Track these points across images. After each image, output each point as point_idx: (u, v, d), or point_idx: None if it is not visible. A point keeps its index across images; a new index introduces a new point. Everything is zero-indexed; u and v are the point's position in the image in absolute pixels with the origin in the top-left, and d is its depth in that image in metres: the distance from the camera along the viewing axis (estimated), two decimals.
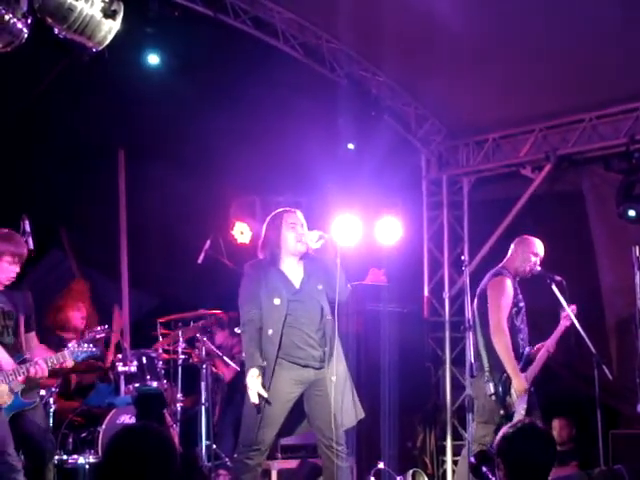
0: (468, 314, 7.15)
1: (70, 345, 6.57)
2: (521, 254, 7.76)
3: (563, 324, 7.73)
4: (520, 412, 7.36)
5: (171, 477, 3.32)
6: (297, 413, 6.56)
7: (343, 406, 6.48)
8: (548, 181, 10.07)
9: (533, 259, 7.72)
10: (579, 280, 8.71)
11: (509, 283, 7.59)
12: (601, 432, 7.75)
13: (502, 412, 7.40)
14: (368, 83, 10.16)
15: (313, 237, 6.58)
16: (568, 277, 7.71)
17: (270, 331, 6.41)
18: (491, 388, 7.30)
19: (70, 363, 6.55)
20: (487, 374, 7.31)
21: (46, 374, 6.38)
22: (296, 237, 6.58)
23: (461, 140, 10.90)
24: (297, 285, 6.58)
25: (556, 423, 9.62)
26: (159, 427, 3.39)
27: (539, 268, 7.70)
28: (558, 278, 7.64)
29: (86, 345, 6.61)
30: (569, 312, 7.62)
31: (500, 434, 4.35)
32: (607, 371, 7.74)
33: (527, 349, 7.62)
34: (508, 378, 7.39)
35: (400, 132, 10.75)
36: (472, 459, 6.55)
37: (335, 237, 6.72)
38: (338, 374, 6.49)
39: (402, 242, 10.70)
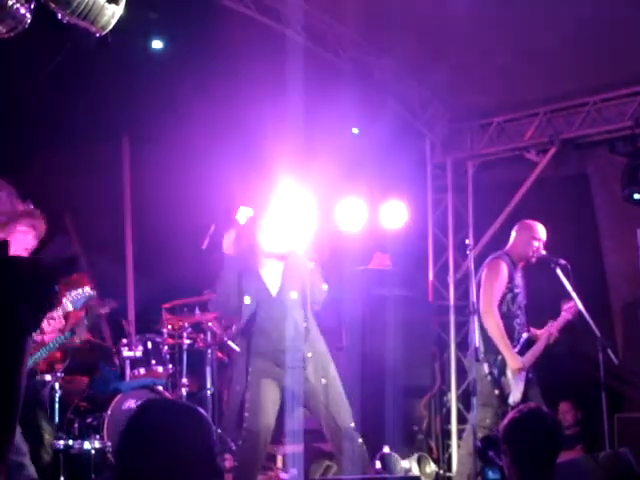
0: (473, 298, 7.17)
1: (67, 293, 6.57)
2: (523, 239, 7.76)
3: (564, 316, 7.74)
4: (516, 394, 7.39)
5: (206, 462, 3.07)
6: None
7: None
8: (553, 164, 10.04)
9: (535, 244, 7.72)
10: (584, 264, 8.70)
11: (504, 267, 7.61)
12: (606, 415, 7.76)
13: (497, 392, 7.43)
14: (372, 67, 10.13)
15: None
16: (573, 261, 7.72)
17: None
18: (485, 369, 7.33)
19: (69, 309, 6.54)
20: (482, 355, 7.33)
21: (58, 325, 6.38)
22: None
23: (466, 124, 10.88)
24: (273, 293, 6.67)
25: (561, 407, 9.63)
26: (179, 402, 3.20)
27: (544, 252, 7.70)
28: (562, 262, 7.65)
29: (81, 290, 6.62)
30: (576, 300, 7.63)
31: (506, 420, 4.36)
32: (612, 355, 7.74)
33: (525, 334, 7.64)
34: (503, 359, 7.42)
35: (404, 116, 10.72)
36: (478, 443, 6.57)
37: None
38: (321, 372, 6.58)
39: (407, 226, 10.69)
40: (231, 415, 6.62)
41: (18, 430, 6.21)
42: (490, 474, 4.50)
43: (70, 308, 6.55)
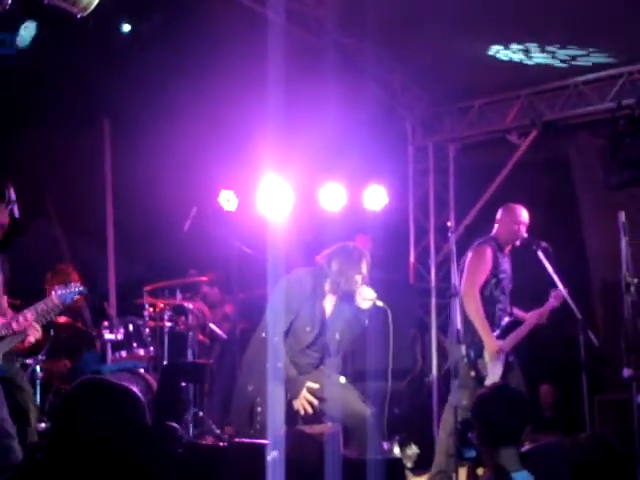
0: (455, 280, 7.19)
1: (56, 288, 6.54)
2: (506, 222, 7.78)
3: (551, 303, 7.77)
4: (492, 377, 7.42)
5: (132, 439, 3.25)
6: None
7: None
8: (534, 147, 10.06)
9: (516, 227, 7.74)
10: (565, 246, 8.74)
11: (489, 253, 7.62)
12: (586, 397, 7.80)
13: (472, 374, 7.46)
14: (353, 50, 10.11)
15: (367, 296, 6.65)
16: (554, 243, 7.74)
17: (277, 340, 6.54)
18: (462, 350, 7.35)
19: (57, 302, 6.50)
20: (461, 338, 7.36)
21: (31, 322, 6.33)
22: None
23: (446, 106, 10.89)
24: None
25: (541, 388, 9.68)
26: (113, 381, 3.33)
27: (525, 234, 7.72)
28: (544, 244, 7.67)
29: (72, 285, 6.60)
30: (557, 282, 7.66)
31: (475, 397, 4.42)
32: (593, 336, 7.78)
33: (506, 319, 7.66)
34: (480, 341, 7.45)
35: (385, 99, 10.72)
36: (458, 426, 6.60)
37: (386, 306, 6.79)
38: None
39: (388, 208, 10.69)
40: (239, 409, 6.65)
41: (6, 413, 6.21)
42: (465, 452, 4.57)
43: (57, 303, 6.53)
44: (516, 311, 7.88)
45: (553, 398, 9.71)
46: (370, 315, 6.84)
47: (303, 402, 6.57)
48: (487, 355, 7.44)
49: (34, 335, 6.41)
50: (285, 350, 6.57)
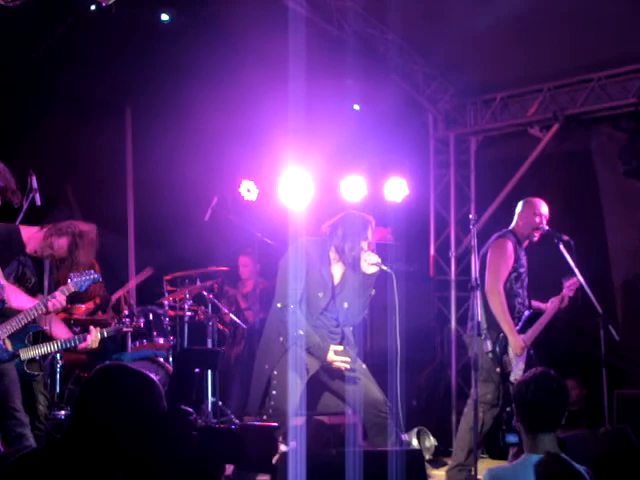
0: (475, 273, 7.17)
1: (72, 276, 6.58)
2: (525, 216, 7.75)
3: (566, 293, 7.74)
4: (517, 372, 7.40)
5: (148, 423, 3.28)
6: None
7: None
8: (556, 140, 10.02)
9: (537, 220, 7.70)
10: (586, 240, 8.70)
11: (510, 247, 7.59)
12: (606, 392, 7.78)
13: (498, 370, 7.45)
14: (375, 41, 10.09)
15: (372, 261, 6.64)
16: (575, 237, 7.71)
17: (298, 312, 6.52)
18: (489, 346, 7.34)
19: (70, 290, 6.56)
20: (485, 332, 7.34)
21: (64, 303, 6.41)
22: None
23: (469, 99, 10.86)
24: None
25: (567, 384, 9.65)
26: (134, 368, 3.38)
27: (547, 227, 7.69)
28: (566, 238, 7.64)
29: (87, 272, 6.64)
30: (578, 276, 7.63)
31: (517, 382, 4.49)
32: (613, 331, 7.76)
33: (526, 312, 7.64)
34: (505, 337, 7.43)
35: (408, 91, 10.70)
36: (505, 415, 6.69)
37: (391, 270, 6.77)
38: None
39: (408, 201, 10.67)
40: (256, 390, 6.66)
41: (20, 404, 6.25)
42: (509, 437, 4.60)
43: (73, 290, 6.57)
44: (535, 303, 7.86)
45: (578, 393, 9.69)
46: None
47: (337, 362, 6.58)
48: (512, 352, 7.43)
49: (93, 339, 6.58)
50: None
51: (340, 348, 6.63)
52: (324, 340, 6.58)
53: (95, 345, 6.72)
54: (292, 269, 6.58)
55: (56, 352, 7.18)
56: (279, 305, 6.53)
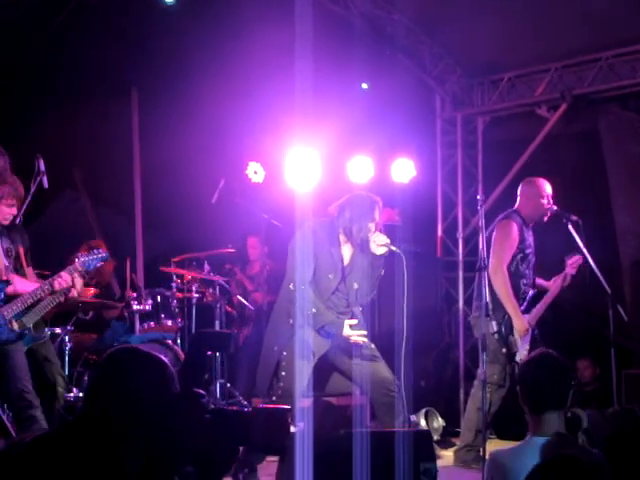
0: (483, 253, 7.16)
1: (79, 255, 6.58)
2: (529, 197, 7.72)
3: (569, 271, 7.72)
4: (522, 352, 7.41)
5: (160, 402, 3.29)
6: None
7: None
8: (564, 121, 9.98)
9: (542, 201, 7.68)
10: (594, 220, 8.69)
11: (515, 227, 7.57)
12: (614, 372, 7.78)
13: (504, 350, 7.46)
14: (382, 22, 10.05)
15: (381, 241, 6.63)
16: (583, 217, 7.69)
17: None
18: (494, 326, 7.33)
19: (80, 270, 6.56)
20: (490, 313, 7.33)
21: (70, 282, 6.40)
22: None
23: (476, 79, 10.82)
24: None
25: (579, 363, 9.65)
26: (147, 350, 3.38)
27: (555, 207, 7.66)
28: (574, 217, 7.63)
29: (94, 252, 6.63)
30: (587, 256, 7.62)
31: (520, 363, 4.49)
32: (622, 311, 7.75)
33: (531, 292, 7.63)
34: (510, 318, 7.43)
35: (415, 72, 10.67)
36: None
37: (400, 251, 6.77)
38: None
39: (416, 182, 10.64)
40: (264, 371, 6.67)
41: (30, 385, 6.26)
42: None
43: (80, 269, 6.57)
44: (539, 281, 7.85)
45: (591, 373, 9.68)
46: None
47: (353, 336, 6.58)
48: (516, 333, 7.43)
49: (78, 285, 6.54)
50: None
51: (355, 321, 6.64)
52: (336, 318, 6.59)
53: (78, 288, 6.64)
54: (302, 251, 6.58)
55: (52, 306, 6.96)
56: (290, 286, 6.53)
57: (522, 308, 7.51)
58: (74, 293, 6.65)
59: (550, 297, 7.66)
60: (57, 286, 6.33)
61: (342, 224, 6.67)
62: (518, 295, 7.54)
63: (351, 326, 6.59)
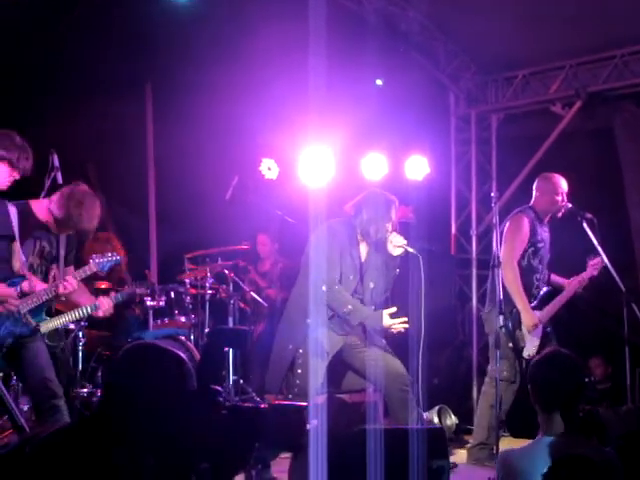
0: (497, 251, 7.16)
1: (94, 257, 6.58)
2: (543, 192, 7.71)
3: (590, 272, 7.69)
4: (531, 348, 7.39)
5: (176, 398, 3.30)
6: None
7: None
8: (578, 118, 9.96)
9: (557, 197, 7.66)
10: (609, 218, 8.66)
11: (526, 222, 7.56)
12: (629, 371, 7.76)
13: (510, 345, 7.43)
14: (397, 19, 10.04)
15: (398, 242, 6.63)
16: (598, 215, 7.68)
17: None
18: (501, 320, 7.31)
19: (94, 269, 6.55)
20: (499, 307, 7.32)
21: (76, 287, 6.38)
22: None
23: (490, 76, 10.81)
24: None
25: (591, 362, 9.63)
26: (164, 346, 3.38)
27: (569, 205, 7.65)
28: (589, 215, 7.61)
29: (109, 254, 6.64)
30: (601, 254, 7.60)
31: (531, 362, 4.45)
32: (637, 310, 7.72)
33: (545, 289, 7.61)
34: (518, 312, 7.41)
35: (429, 69, 10.65)
36: None
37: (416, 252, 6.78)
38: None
39: (430, 179, 10.63)
40: (276, 369, 6.69)
41: (53, 375, 6.27)
42: None
43: (95, 270, 6.57)
44: (555, 277, 7.83)
45: (603, 371, 9.66)
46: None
47: (395, 324, 6.60)
48: (524, 327, 7.41)
49: (104, 310, 6.53)
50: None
51: (393, 309, 6.65)
52: (373, 311, 6.66)
53: (110, 312, 6.67)
54: (329, 251, 6.59)
55: (72, 322, 7.10)
56: (324, 288, 6.53)
57: (534, 304, 7.49)
58: (99, 314, 6.66)
59: (565, 297, 7.63)
60: (62, 290, 6.30)
61: (359, 225, 6.68)
62: (531, 290, 7.52)
63: (391, 314, 6.63)
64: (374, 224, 6.64)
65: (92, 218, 6.40)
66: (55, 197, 6.34)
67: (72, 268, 6.59)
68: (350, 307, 6.55)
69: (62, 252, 6.53)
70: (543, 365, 4.36)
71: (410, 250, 6.67)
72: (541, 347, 7.40)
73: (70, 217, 6.26)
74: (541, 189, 7.74)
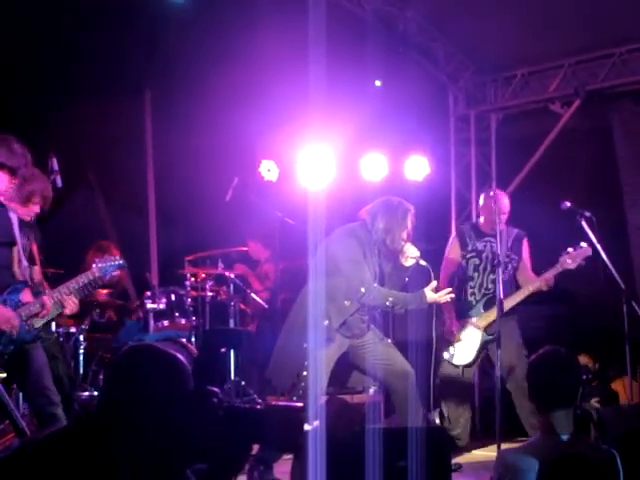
0: (497, 250, 7.17)
1: (97, 261, 6.57)
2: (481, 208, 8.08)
3: (561, 266, 7.70)
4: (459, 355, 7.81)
5: (174, 402, 3.30)
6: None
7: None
8: (577, 117, 9.97)
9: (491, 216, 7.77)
10: (606, 217, 8.65)
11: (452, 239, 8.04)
12: (630, 368, 7.76)
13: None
14: (395, 19, 10.05)
15: (411, 253, 6.65)
16: (595, 214, 7.68)
17: (347, 302, 6.51)
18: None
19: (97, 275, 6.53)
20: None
21: (65, 298, 6.35)
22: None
23: (489, 76, 10.81)
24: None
25: (580, 359, 9.63)
26: (161, 348, 3.39)
27: (568, 204, 7.64)
28: (588, 214, 7.61)
29: (112, 258, 6.63)
30: (600, 252, 7.60)
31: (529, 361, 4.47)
32: (636, 307, 7.72)
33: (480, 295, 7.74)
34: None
35: (428, 69, 10.66)
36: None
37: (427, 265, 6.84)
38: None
39: (429, 179, 10.63)
40: (288, 369, 6.68)
41: (51, 382, 6.27)
42: None
43: (98, 276, 6.56)
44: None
45: (591, 368, 9.66)
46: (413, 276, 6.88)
47: (439, 297, 6.74)
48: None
49: (70, 308, 6.44)
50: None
51: (434, 284, 6.73)
52: (416, 293, 6.73)
53: (74, 309, 6.58)
54: (354, 253, 6.61)
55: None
56: (362, 290, 6.53)
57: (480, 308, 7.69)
58: (66, 312, 6.60)
59: (523, 293, 7.73)
60: (68, 311, 6.33)
61: (375, 234, 6.67)
62: (463, 299, 7.81)
63: (432, 289, 6.73)
64: (390, 234, 6.64)
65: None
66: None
67: (38, 267, 6.55)
68: (391, 299, 6.60)
69: (34, 247, 6.51)
70: (541, 364, 4.36)
71: (422, 263, 6.70)
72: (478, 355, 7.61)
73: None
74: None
